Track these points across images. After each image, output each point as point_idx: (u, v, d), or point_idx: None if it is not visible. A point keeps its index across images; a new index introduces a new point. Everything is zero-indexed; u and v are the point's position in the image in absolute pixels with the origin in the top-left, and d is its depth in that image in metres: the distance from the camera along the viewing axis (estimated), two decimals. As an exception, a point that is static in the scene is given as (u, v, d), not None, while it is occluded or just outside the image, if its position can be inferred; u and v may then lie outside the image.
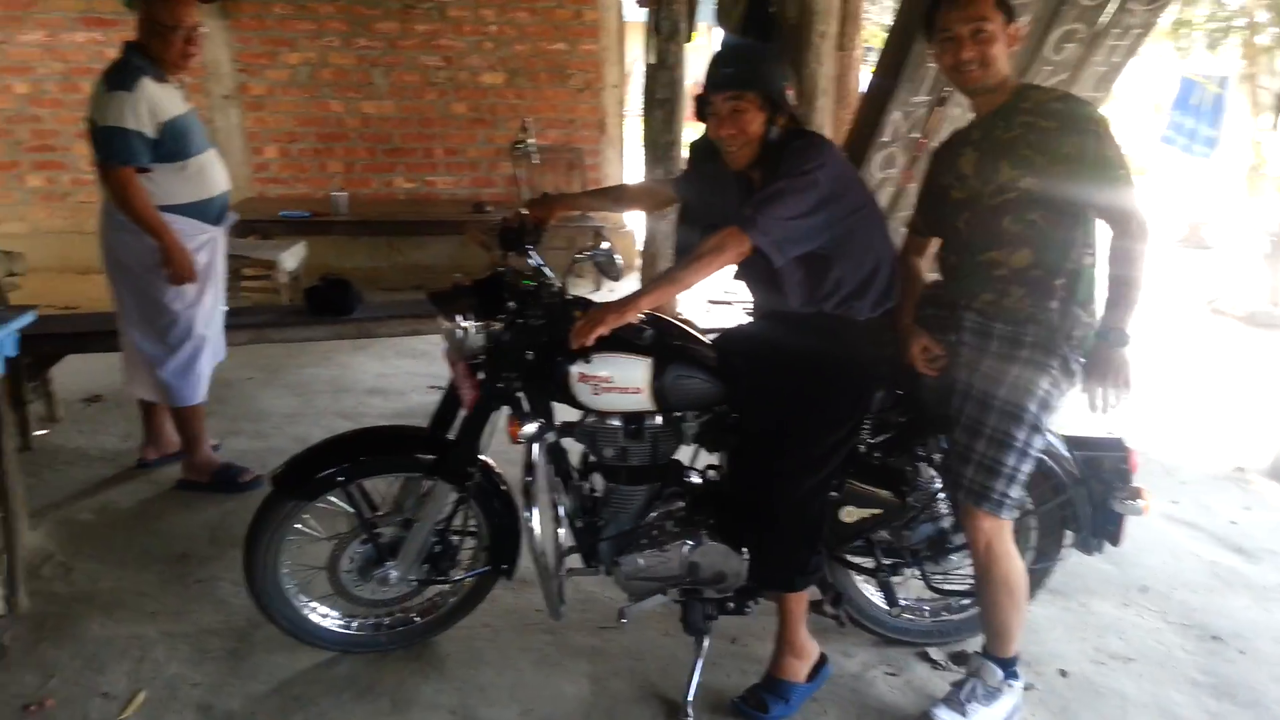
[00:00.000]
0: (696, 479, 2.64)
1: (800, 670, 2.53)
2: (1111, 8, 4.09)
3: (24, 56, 6.99)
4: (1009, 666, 2.46)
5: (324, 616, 2.68)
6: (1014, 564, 2.39)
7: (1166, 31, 9.25)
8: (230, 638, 2.77)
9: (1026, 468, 2.32)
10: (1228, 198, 9.89)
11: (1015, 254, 2.29)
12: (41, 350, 3.88)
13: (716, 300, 6.51)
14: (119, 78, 3.24)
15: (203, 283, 3.50)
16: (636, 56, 8.52)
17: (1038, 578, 2.72)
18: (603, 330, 2.21)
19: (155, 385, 3.58)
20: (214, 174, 3.53)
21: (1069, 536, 2.66)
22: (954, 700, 2.45)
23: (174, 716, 2.46)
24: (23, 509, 3.00)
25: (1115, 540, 2.62)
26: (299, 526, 2.56)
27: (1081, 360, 2.32)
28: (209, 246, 3.53)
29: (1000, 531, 2.35)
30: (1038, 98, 2.31)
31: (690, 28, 6.24)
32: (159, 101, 3.28)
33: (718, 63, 2.36)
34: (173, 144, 3.33)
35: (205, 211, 3.49)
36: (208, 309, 3.58)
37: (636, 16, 7.35)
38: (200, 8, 3.45)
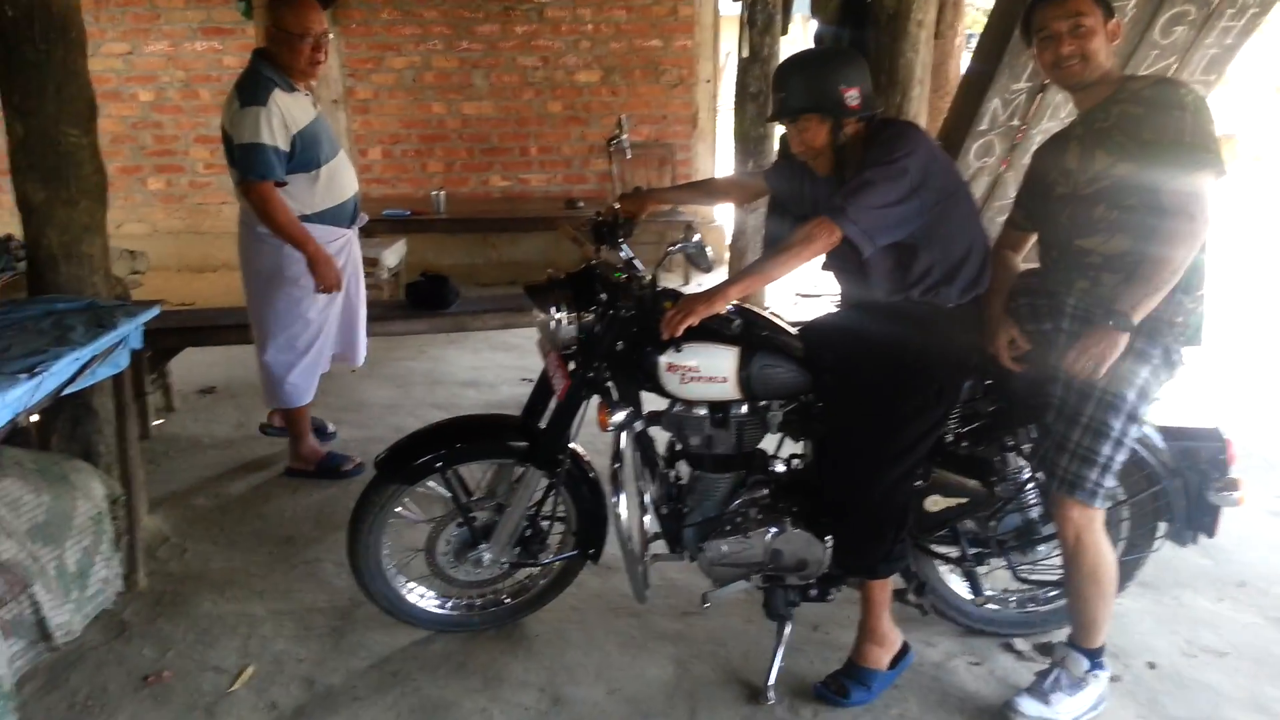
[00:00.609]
0: (781, 467, 2.68)
1: (882, 658, 2.54)
2: (1225, -13, 3.95)
3: (149, 66, 7.42)
4: (1095, 657, 2.44)
5: (421, 597, 2.80)
6: (1104, 555, 2.36)
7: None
8: (333, 616, 2.92)
9: (1121, 457, 2.29)
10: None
11: (1110, 240, 2.27)
12: (162, 344, 4.12)
13: (805, 294, 6.50)
14: (251, 92, 3.33)
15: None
16: (730, 50, 8.54)
17: (1129, 569, 2.67)
18: (693, 320, 2.26)
19: (277, 391, 3.72)
20: (345, 177, 3.64)
21: (1163, 528, 2.61)
22: (1038, 690, 2.43)
23: (280, 690, 2.60)
24: (142, 494, 3.20)
25: (1211, 532, 2.56)
26: (399, 510, 2.69)
27: (1181, 351, 2.28)
28: (346, 249, 3.67)
29: (1091, 521, 2.33)
30: (1135, 87, 2.28)
31: (786, 20, 6.25)
32: (290, 112, 3.37)
33: (775, 88, 2.43)
34: (305, 154, 3.42)
35: (339, 216, 3.61)
36: (337, 311, 3.73)
37: (731, 10, 7.39)
38: (324, 14, 3.52)
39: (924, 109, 3.51)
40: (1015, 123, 4.18)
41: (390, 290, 5.88)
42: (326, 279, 3.48)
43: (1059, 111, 4.18)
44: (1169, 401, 2.34)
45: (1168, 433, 2.57)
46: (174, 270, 7.31)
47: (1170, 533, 2.60)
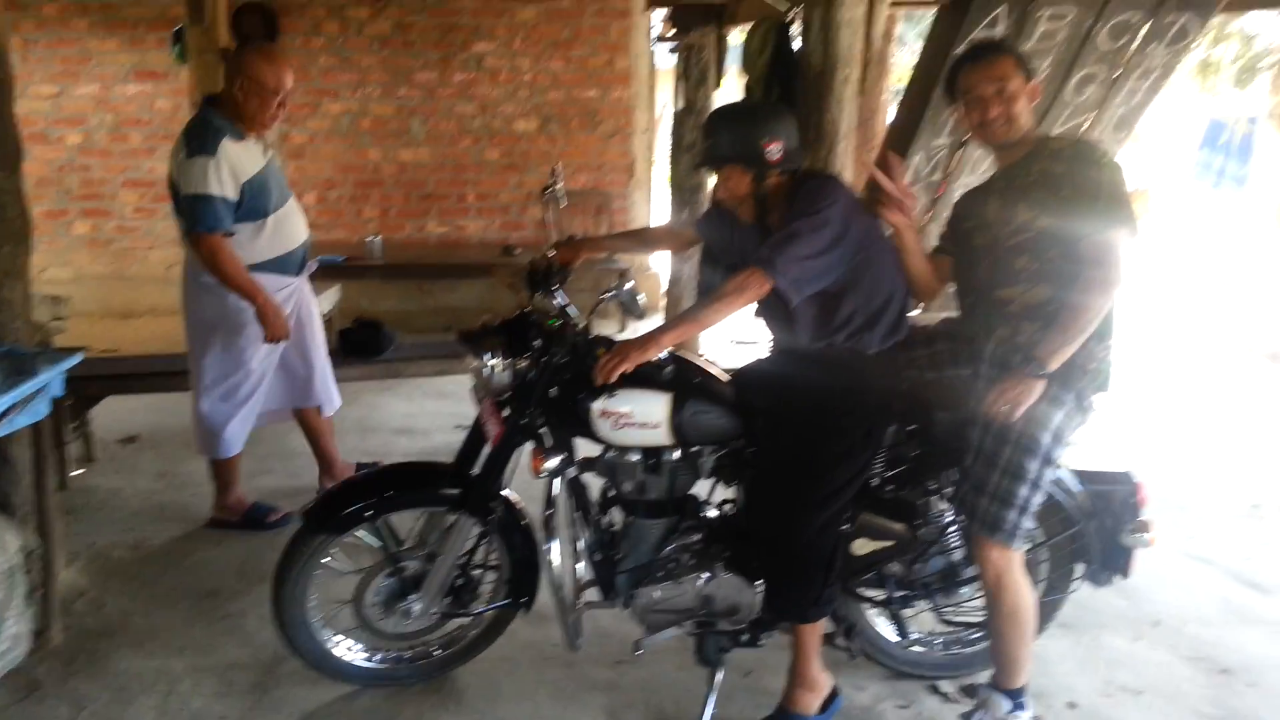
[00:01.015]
0: (713, 513, 2.70)
1: (812, 703, 2.56)
2: (1131, 51, 4.18)
3: (78, 108, 7.31)
4: (1017, 698, 2.48)
5: (347, 650, 2.74)
6: (1023, 595, 2.42)
7: (1194, 71, 9.28)
8: (255, 671, 2.85)
9: (1038, 499, 2.37)
10: (1258, 235, 9.83)
11: (1031, 290, 2.37)
12: (84, 391, 4.02)
13: (740, 340, 6.58)
14: (199, 141, 3.27)
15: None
16: (666, 102, 8.70)
17: (1048, 610, 2.74)
18: (626, 366, 2.29)
19: (213, 441, 3.65)
20: (295, 224, 3.60)
21: (1080, 569, 2.69)
22: None
23: (200, 748, 2.52)
24: (60, 546, 3.10)
25: (1125, 573, 2.64)
26: (327, 561, 2.64)
27: (1093, 397, 2.39)
28: (294, 297, 3.62)
29: (1011, 563, 2.39)
30: (1055, 146, 2.43)
31: (719, 73, 6.40)
32: (239, 162, 3.32)
33: (703, 136, 2.53)
34: (253, 202, 3.38)
35: (287, 264, 3.57)
36: (275, 362, 3.68)
37: (667, 63, 7.55)
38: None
39: (850, 162, 3.61)
40: (937, 177, 4.35)
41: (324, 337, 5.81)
42: (275, 329, 3.43)
43: (978, 166, 4.36)
44: (1084, 446, 2.42)
45: (1083, 476, 2.66)
46: (98, 316, 7.13)
47: (1087, 574, 2.68)
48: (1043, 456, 2.33)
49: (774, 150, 2.44)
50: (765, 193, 2.48)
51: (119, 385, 4.17)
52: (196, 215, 3.27)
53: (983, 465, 2.38)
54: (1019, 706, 2.49)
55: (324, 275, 6.29)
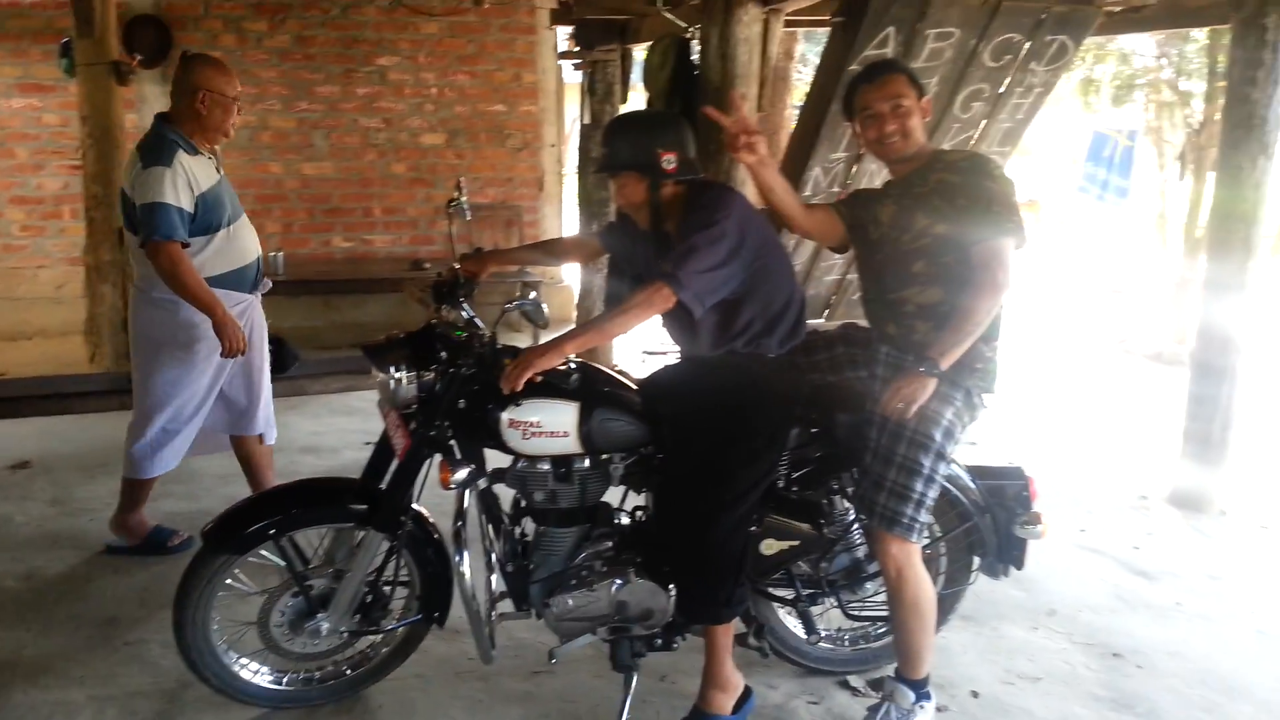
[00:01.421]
0: (625, 519, 2.72)
1: (725, 703, 2.60)
2: (1014, 68, 4.37)
3: (-42, 123, 6.98)
4: (921, 688, 2.57)
5: (255, 673, 2.68)
6: (924, 587, 2.50)
7: (1076, 88, 9.71)
8: (159, 699, 2.76)
9: (933, 493, 2.46)
10: (1138, 244, 10.35)
11: (925, 292, 2.50)
12: (-30, 415, 3.85)
13: (651, 351, 6.64)
14: (155, 153, 3.25)
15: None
16: (575, 116, 8.76)
17: (949, 603, 2.85)
18: (531, 374, 2.31)
19: (145, 462, 3.53)
20: (248, 240, 3.55)
21: (977, 562, 2.79)
22: None
23: (101, 779, 2.44)
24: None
25: (1019, 564, 2.75)
26: (230, 582, 2.58)
27: (984, 395, 2.50)
28: (246, 314, 3.53)
29: (910, 556, 2.47)
30: (950, 158, 2.58)
31: (625, 89, 6.48)
32: (194, 174, 3.29)
33: (602, 144, 2.59)
34: (206, 216, 3.34)
35: (241, 280, 3.51)
36: (219, 384, 3.58)
37: (575, 78, 7.59)
38: None
39: (749, 175, 3.71)
40: (835, 189, 4.47)
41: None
42: (234, 342, 3.32)
43: (874, 179, 4.49)
44: (978, 444, 2.52)
45: (976, 472, 2.77)
46: (-17, 339, 6.83)
47: (983, 566, 2.78)
48: (935, 452, 2.42)
49: (669, 160, 2.50)
50: (660, 201, 2.53)
51: (8, 409, 4.02)
52: (155, 223, 3.20)
53: (880, 463, 2.46)
54: (924, 696, 2.57)
55: (225, 292, 6.16)
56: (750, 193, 3.43)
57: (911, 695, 2.55)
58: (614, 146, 2.55)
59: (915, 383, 2.32)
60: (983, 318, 2.35)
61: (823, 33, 5.17)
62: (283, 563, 2.57)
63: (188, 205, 3.26)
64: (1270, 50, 3.77)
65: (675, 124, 2.64)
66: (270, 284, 3.79)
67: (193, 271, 3.27)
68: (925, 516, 2.46)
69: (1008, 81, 4.38)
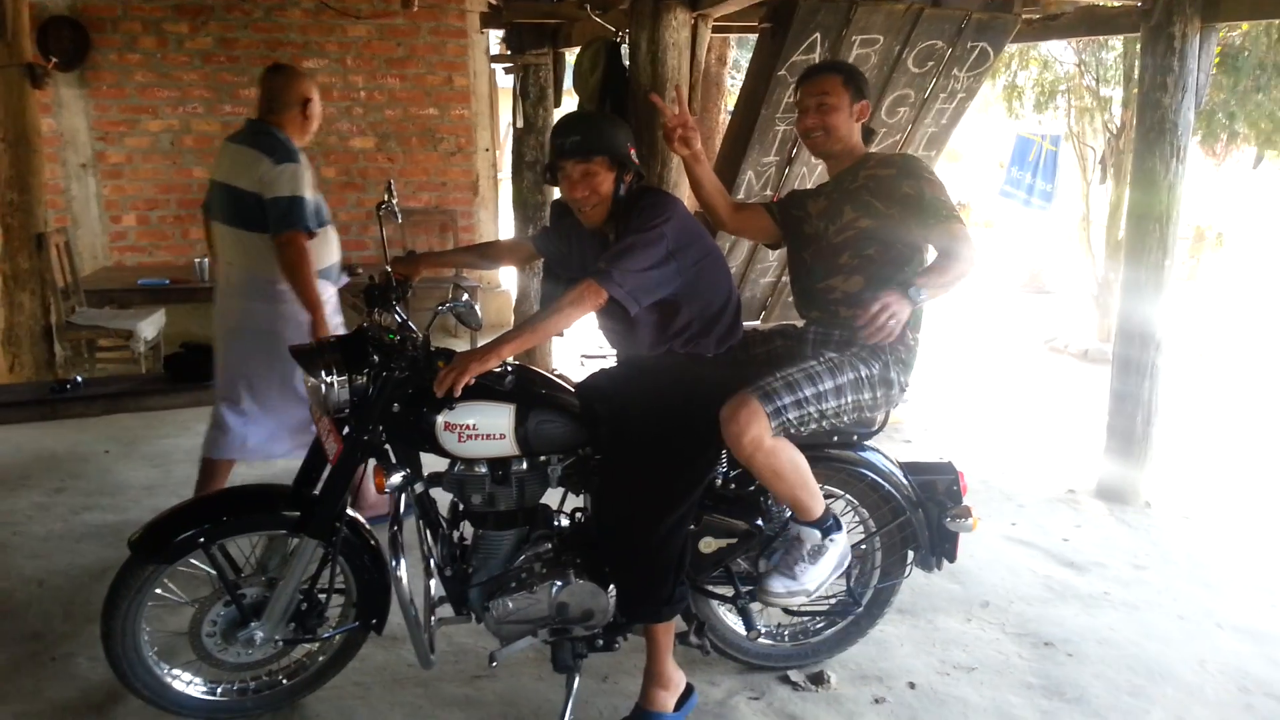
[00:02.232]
0: (564, 521, 2.72)
1: (668, 701, 2.61)
2: (937, 74, 4.47)
3: None
4: (823, 525, 2.58)
5: (188, 684, 2.62)
6: (779, 456, 2.45)
7: (1000, 95, 9.96)
8: (88, 713, 2.68)
9: (812, 410, 2.47)
10: (1064, 246, 10.65)
11: (849, 280, 2.65)
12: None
13: (589, 355, 6.64)
14: (283, 151, 3.40)
15: None
16: (509, 120, 8.72)
17: (885, 596, 2.90)
18: (465, 378, 2.29)
19: (224, 439, 3.59)
20: (334, 237, 3.71)
21: (911, 556, 2.84)
22: (784, 568, 2.58)
23: (26, 798, 2.37)
24: None
25: (951, 557, 2.81)
26: (159, 591, 2.52)
27: (905, 381, 2.62)
28: (334, 308, 3.66)
29: (762, 435, 2.40)
30: (881, 157, 2.73)
31: (558, 92, 6.47)
32: (308, 173, 3.47)
33: (564, 132, 2.54)
34: (318, 213, 3.49)
35: (332, 274, 3.67)
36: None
37: (507, 82, 7.56)
38: None
39: (682, 178, 3.73)
40: (768, 192, 4.52)
41: (149, 364, 5.53)
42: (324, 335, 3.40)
43: (805, 182, 4.56)
44: (914, 441, 2.58)
45: (909, 468, 2.82)
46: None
47: (917, 560, 2.84)
48: (838, 384, 2.50)
49: (633, 154, 2.55)
50: (622, 196, 2.53)
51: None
52: (294, 215, 3.34)
53: (789, 365, 2.52)
54: (829, 531, 2.58)
55: (146, 300, 6.03)
56: (684, 194, 3.47)
57: (817, 533, 2.57)
58: (583, 134, 2.51)
59: (897, 299, 2.30)
60: (965, 266, 2.41)
61: (755, 38, 5.23)
62: (214, 571, 2.51)
63: (312, 200, 3.43)
64: (1178, 58, 3.91)
65: (627, 127, 2.69)
66: (347, 278, 3.96)
67: (311, 265, 3.40)
68: (793, 417, 2.44)
69: (932, 86, 4.47)
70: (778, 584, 2.57)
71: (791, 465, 2.49)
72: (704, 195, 2.86)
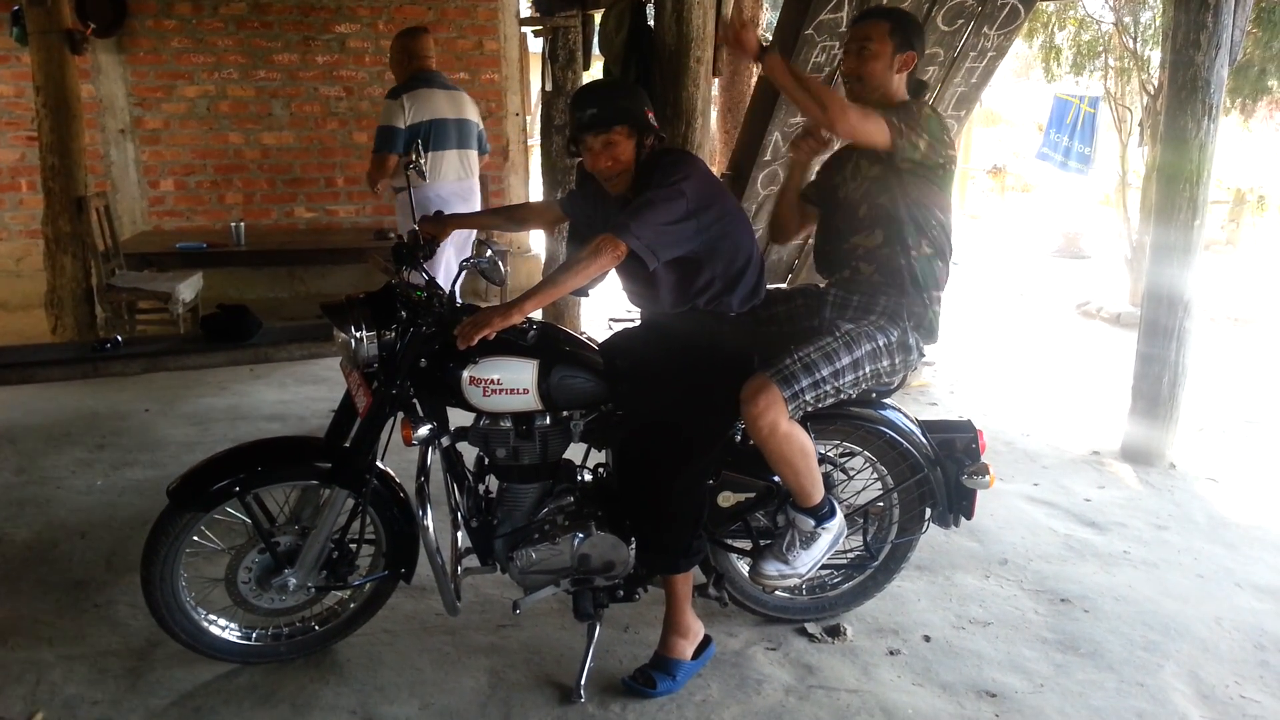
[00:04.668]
0: (587, 476, 2.78)
1: (686, 649, 2.68)
2: (967, 33, 4.42)
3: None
4: (817, 513, 2.63)
5: (223, 629, 2.72)
6: (793, 441, 2.53)
7: (1037, 55, 9.80)
8: (129, 657, 2.79)
9: (828, 391, 2.54)
10: (1101, 210, 10.50)
11: (870, 235, 2.66)
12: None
13: (616, 318, 6.67)
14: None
15: None
16: (539, 85, 8.72)
17: (902, 551, 2.94)
18: (488, 332, 2.34)
19: None
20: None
21: (929, 513, 2.87)
22: (778, 553, 2.65)
23: (73, 734, 2.47)
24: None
25: (969, 514, 2.84)
26: (197, 539, 2.62)
27: (923, 345, 2.62)
28: None
29: (779, 417, 2.48)
30: (905, 108, 2.65)
31: (587, 56, 6.47)
32: None
33: (581, 105, 2.56)
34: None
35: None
36: None
37: (537, 46, 7.56)
38: None
39: (706, 139, 3.75)
40: (795, 152, 4.51)
41: (187, 326, 5.66)
42: None
43: (832, 144, 4.54)
44: (941, 404, 2.60)
45: (928, 426, 2.85)
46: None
47: (935, 516, 2.87)
48: (855, 358, 2.55)
49: (652, 117, 2.58)
50: (644, 159, 2.56)
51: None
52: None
53: (805, 343, 2.57)
54: (823, 519, 2.64)
55: (184, 263, 6.16)
56: (706, 155, 3.49)
57: (811, 521, 2.63)
58: (600, 105, 2.54)
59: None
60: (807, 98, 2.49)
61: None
62: (249, 520, 2.61)
63: None
64: (1212, 13, 3.85)
65: (642, 91, 2.72)
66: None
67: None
68: (809, 395, 2.52)
69: (961, 45, 4.44)
70: (770, 567, 2.64)
71: (801, 453, 2.55)
72: (784, 200, 2.98)
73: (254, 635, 2.76)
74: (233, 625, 2.74)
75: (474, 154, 5.01)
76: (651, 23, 4.12)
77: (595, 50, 6.37)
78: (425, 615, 3.02)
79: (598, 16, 6.14)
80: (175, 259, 6.19)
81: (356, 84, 7.38)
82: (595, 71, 7.69)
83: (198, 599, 2.69)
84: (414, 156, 2.84)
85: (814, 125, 2.73)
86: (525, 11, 7.59)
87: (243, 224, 6.54)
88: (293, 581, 2.63)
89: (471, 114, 4.98)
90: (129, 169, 7.19)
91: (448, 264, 4.39)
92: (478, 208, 5.08)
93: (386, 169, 4.77)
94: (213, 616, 2.71)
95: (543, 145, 6.55)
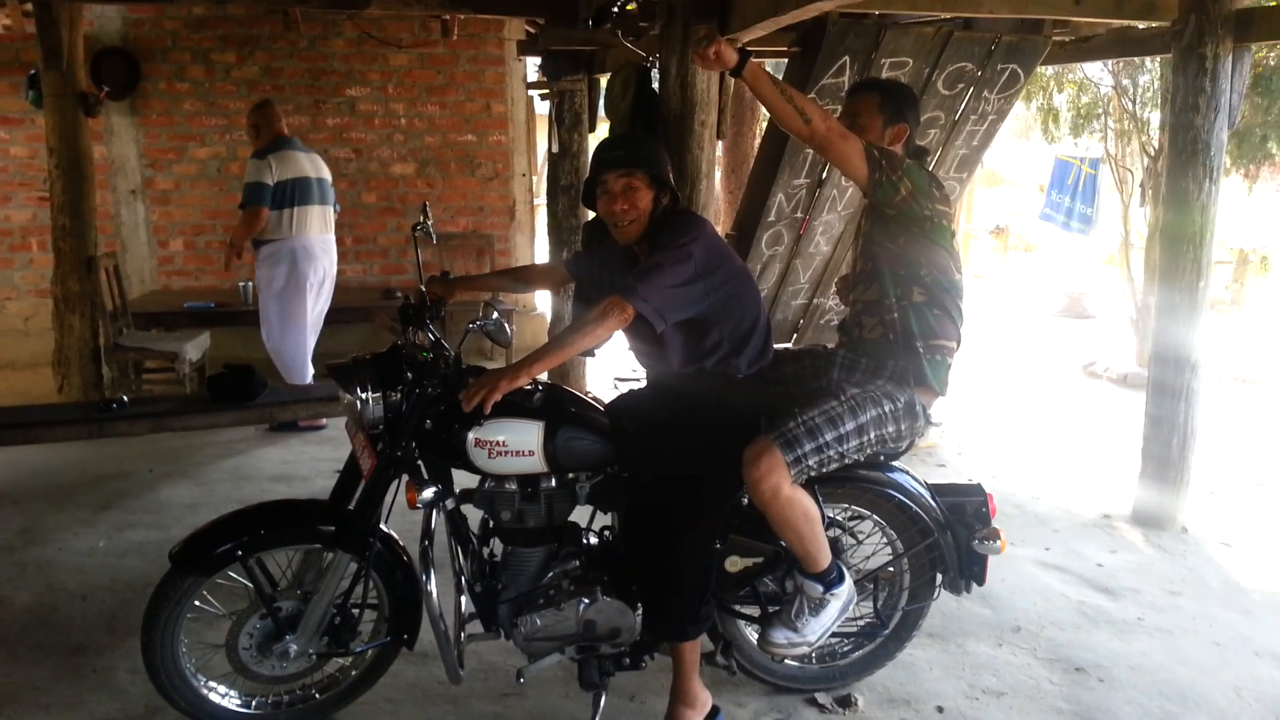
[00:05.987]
0: (592, 539, 2.75)
1: (694, 719, 2.62)
2: (968, 97, 4.48)
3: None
4: (825, 579, 2.59)
5: (223, 696, 2.67)
6: (797, 505, 2.49)
7: (1037, 116, 9.92)
8: (128, 725, 2.75)
9: (833, 456, 2.51)
10: (1104, 270, 10.53)
11: (867, 289, 2.69)
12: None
13: (622, 378, 6.68)
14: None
15: None
16: (546, 146, 8.83)
17: (913, 619, 2.89)
18: (495, 395, 2.33)
19: None
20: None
21: (939, 579, 2.83)
22: (786, 620, 2.60)
23: (67, 805, 2.43)
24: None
25: (980, 580, 2.79)
26: (198, 603, 2.58)
27: (930, 413, 2.60)
28: None
29: (781, 482, 2.45)
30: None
31: (593, 118, 6.57)
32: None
33: (609, 148, 2.62)
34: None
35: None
36: None
37: (544, 108, 7.68)
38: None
39: (710, 200, 3.79)
40: (799, 214, 4.55)
41: (193, 385, 5.66)
42: None
43: (836, 204, 4.59)
44: (949, 465, 2.58)
45: (938, 489, 2.82)
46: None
47: (946, 583, 2.83)
48: (859, 424, 2.52)
49: (671, 178, 2.63)
50: (658, 216, 2.58)
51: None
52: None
53: (809, 406, 2.55)
54: (832, 585, 2.60)
55: (192, 323, 6.17)
56: (711, 215, 3.51)
57: (819, 587, 2.58)
58: (627, 150, 2.60)
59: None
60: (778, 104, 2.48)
61: (786, 62, 5.26)
62: (250, 585, 2.57)
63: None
64: (1210, 78, 3.89)
65: (666, 154, 2.78)
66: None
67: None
68: (813, 463, 2.49)
69: (962, 109, 4.49)
70: (779, 635, 2.60)
71: (805, 518, 2.52)
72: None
73: (254, 703, 2.71)
74: (233, 693, 2.69)
75: (331, 210, 5.53)
76: (656, 87, 4.18)
77: (601, 113, 6.48)
78: (428, 683, 2.96)
79: (604, 80, 6.25)
80: (183, 318, 6.22)
81: (365, 146, 7.48)
82: (601, 134, 7.81)
83: (198, 665, 2.65)
84: (421, 218, 2.86)
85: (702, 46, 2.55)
86: (533, 75, 7.72)
87: (250, 283, 6.57)
88: (294, 647, 2.58)
89: (326, 174, 5.51)
90: (139, 229, 7.26)
91: None
92: (335, 259, 5.67)
93: (260, 220, 5.20)
94: (213, 683, 2.67)
95: (548, 205, 6.62)
